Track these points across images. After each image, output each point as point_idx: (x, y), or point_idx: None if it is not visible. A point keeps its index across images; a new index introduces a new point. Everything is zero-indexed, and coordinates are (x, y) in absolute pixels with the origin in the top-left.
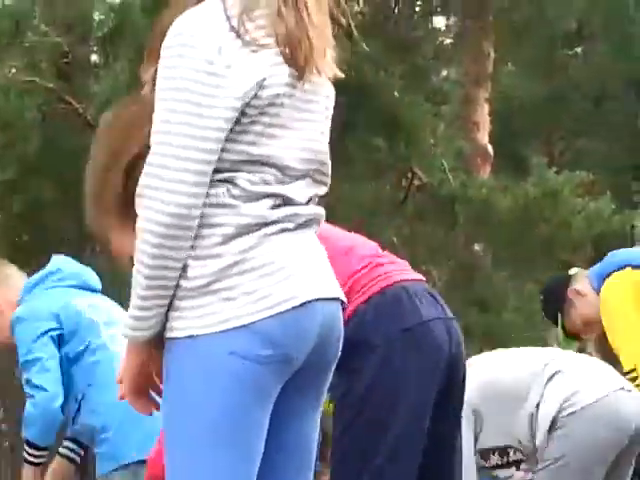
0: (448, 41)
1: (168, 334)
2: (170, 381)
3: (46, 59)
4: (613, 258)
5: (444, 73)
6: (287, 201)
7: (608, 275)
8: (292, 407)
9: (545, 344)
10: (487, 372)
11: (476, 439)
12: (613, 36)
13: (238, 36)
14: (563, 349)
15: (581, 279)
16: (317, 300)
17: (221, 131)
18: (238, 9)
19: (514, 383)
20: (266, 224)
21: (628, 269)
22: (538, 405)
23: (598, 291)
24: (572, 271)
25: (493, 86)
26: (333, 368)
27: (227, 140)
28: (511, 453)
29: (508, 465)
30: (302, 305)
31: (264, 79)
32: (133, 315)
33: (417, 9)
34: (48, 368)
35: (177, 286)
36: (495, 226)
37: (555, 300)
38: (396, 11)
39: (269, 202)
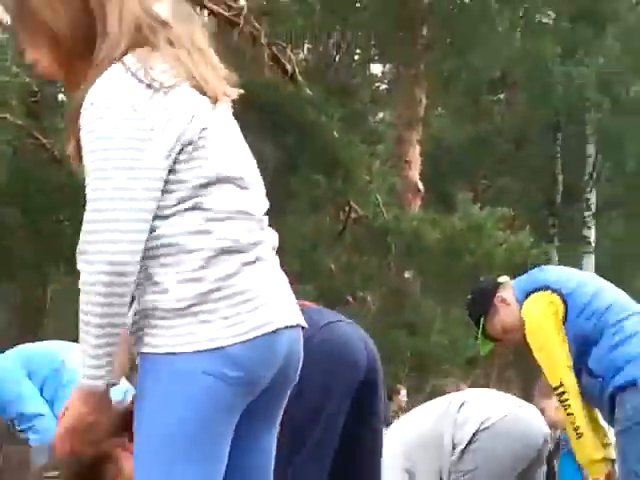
0: (384, 87)
1: (145, 349)
2: (145, 394)
3: (17, 98)
4: (537, 276)
5: (379, 116)
6: (253, 218)
7: (531, 292)
8: (254, 426)
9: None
10: (405, 436)
11: None
12: (533, 85)
13: (149, 86)
14: (481, 349)
15: (508, 288)
16: (285, 327)
17: (155, 180)
18: (138, 64)
19: (429, 433)
20: (243, 251)
21: (548, 291)
22: (454, 437)
23: (521, 303)
24: (501, 279)
25: (424, 129)
26: (292, 387)
27: (179, 171)
28: None
29: None
30: (273, 332)
31: (190, 112)
32: (90, 365)
33: (356, 57)
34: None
35: (155, 307)
36: (424, 256)
37: (482, 303)
38: (337, 59)
39: (241, 225)
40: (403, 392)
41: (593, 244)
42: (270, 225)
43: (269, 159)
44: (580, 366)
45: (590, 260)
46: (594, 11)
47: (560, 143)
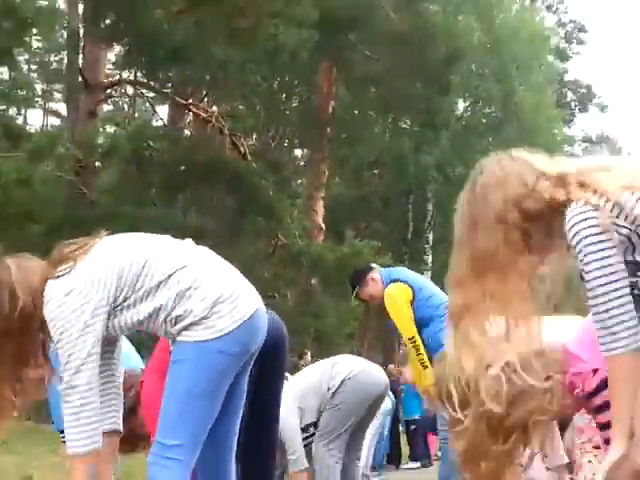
0: (302, 164)
1: (183, 338)
2: (180, 364)
3: (68, 163)
4: (397, 273)
5: (299, 182)
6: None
7: (391, 281)
8: (240, 376)
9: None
10: (298, 385)
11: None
12: (396, 166)
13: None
14: (353, 304)
15: (376, 271)
16: (259, 308)
17: (97, 333)
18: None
19: (313, 382)
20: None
21: (405, 284)
22: (329, 384)
23: (385, 284)
24: (373, 265)
25: (326, 191)
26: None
27: (145, 298)
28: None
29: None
30: (254, 314)
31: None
32: (87, 435)
33: (285, 144)
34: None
35: (191, 323)
36: (325, 270)
37: (359, 277)
38: (273, 145)
39: (191, 260)
40: (308, 354)
41: (430, 265)
42: (228, 249)
43: (229, 208)
44: None
45: (428, 276)
46: (434, 120)
47: (411, 202)
